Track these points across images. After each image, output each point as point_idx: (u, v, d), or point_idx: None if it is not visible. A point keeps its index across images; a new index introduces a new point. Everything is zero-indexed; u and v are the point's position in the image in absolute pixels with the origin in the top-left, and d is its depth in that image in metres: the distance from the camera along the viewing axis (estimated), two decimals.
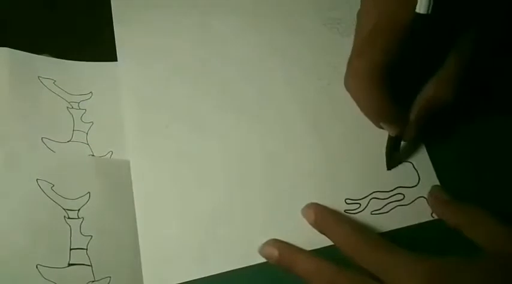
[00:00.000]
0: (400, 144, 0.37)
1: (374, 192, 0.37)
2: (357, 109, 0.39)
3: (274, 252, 0.34)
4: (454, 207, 0.35)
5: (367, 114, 0.35)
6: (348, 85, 0.35)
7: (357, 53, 0.35)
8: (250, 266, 0.35)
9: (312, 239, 0.35)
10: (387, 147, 0.37)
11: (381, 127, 0.36)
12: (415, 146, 0.39)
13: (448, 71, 0.35)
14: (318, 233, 0.35)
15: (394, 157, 0.38)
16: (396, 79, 0.33)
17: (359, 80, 0.34)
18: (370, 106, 0.35)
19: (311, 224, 0.35)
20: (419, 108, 0.35)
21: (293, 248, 0.35)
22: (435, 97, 0.35)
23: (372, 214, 0.36)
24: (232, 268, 0.35)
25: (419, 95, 0.35)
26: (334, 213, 0.36)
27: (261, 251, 0.35)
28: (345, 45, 0.41)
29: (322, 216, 0.35)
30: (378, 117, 0.35)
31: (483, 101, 0.40)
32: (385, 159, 0.38)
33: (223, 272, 0.35)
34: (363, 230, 0.34)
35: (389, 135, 0.37)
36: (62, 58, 0.41)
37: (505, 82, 0.41)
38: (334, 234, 0.34)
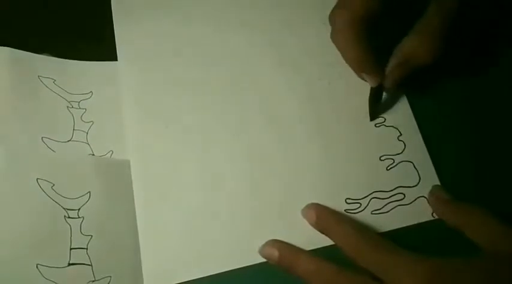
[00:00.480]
0: (381, 95, 0.39)
1: (374, 192, 0.37)
2: (357, 109, 0.39)
3: (274, 252, 0.34)
4: (455, 207, 0.35)
5: (349, 64, 0.37)
6: (333, 38, 0.37)
7: (340, 5, 0.36)
8: (250, 266, 0.35)
9: (312, 239, 0.35)
10: (370, 99, 0.38)
11: (363, 79, 0.37)
12: (396, 101, 0.40)
13: (429, 23, 0.35)
14: (318, 233, 0.35)
15: (376, 108, 0.39)
16: (378, 31, 0.35)
17: (342, 32, 0.36)
18: (352, 57, 0.36)
19: (312, 224, 0.35)
20: (398, 63, 0.36)
21: (293, 248, 0.34)
22: (413, 54, 0.36)
23: (372, 213, 0.36)
24: (232, 268, 0.35)
25: (397, 47, 0.37)
26: (335, 213, 0.36)
27: (261, 252, 0.35)
28: None
29: (323, 216, 0.35)
30: (359, 67, 0.37)
31: (478, 62, 0.39)
32: (385, 161, 0.38)
33: (223, 272, 0.35)
34: (363, 230, 0.34)
35: (371, 87, 0.38)
36: (62, 57, 0.41)
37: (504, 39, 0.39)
38: (336, 234, 0.34)
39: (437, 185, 0.37)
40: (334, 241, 0.34)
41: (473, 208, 0.33)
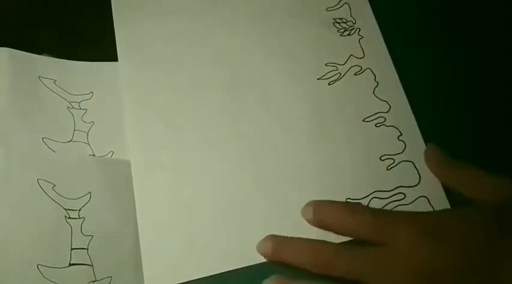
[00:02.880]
0: None
1: (375, 192, 0.37)
2: (358, 109, 0.39)
3: (268, 244, 0.34)
4: (448, 168, 0.36)
5: None
6: None
7: None
8: (250, 266, 0.35)
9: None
10: None
11: None
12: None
13: None
14: (319, 233, 0.35)
15: None
16: None
17: None
18: None
19: (309, 221, 0.35)
20: None
21: (286, 238, 0.34)
22: None
23: None
24: (232, 268, 0.35)
25: None
26: (329, 201, 0.36)
27: (258, 248, 0.35)
28: (345, 45, 0.41)
29: (318, 207, 0.35)
30: None
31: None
32: (385, 161, 0.38)
33: (223, 272, 0.35)
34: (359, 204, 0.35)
35: None
36: (62, 58, 0.41)
37: None
38: (331, 217, 0.35)
39: (431, 145, 0.37)
40: (333, 227, 0.34)
41: (466, 164, 0.35)
